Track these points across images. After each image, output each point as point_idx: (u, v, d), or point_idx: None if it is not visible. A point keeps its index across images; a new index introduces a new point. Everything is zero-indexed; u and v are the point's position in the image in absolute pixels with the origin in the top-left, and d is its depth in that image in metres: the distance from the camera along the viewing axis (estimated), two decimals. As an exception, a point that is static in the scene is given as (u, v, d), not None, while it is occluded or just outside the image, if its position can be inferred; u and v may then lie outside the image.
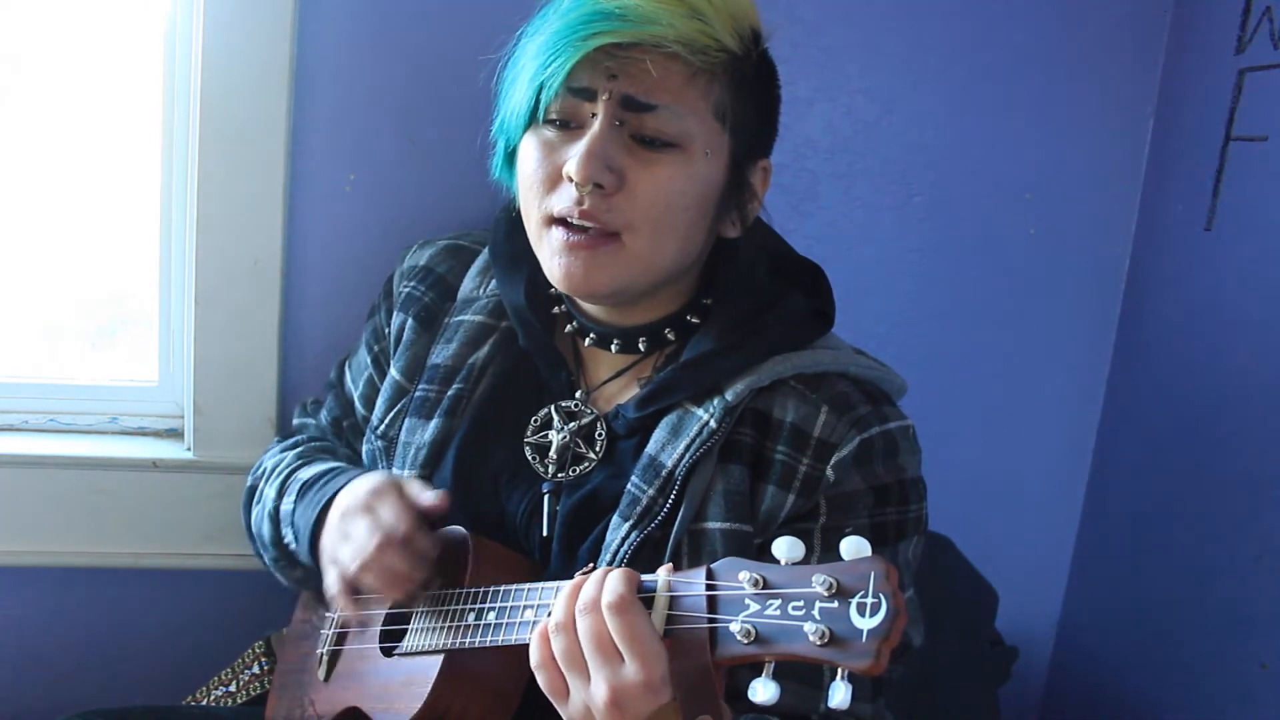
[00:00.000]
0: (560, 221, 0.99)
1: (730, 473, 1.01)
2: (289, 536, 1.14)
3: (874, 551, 0.75)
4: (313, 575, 1.13)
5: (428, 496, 1.03)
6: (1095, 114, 1.62)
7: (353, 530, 1.03)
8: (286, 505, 1.16)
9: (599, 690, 0.81)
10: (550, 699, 0.85)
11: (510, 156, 1.06)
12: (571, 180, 0.96)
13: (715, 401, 1.02)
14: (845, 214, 1.60)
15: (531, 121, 1.00)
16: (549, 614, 0.86)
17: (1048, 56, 1.59)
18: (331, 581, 1.05)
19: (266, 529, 1.19)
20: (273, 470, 1.22)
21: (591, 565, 0.89)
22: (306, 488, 1.14)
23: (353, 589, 1.04)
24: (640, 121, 0.97)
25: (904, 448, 1.04)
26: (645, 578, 0.84)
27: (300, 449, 1.24)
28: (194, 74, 1.38)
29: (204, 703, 1.32)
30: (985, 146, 1.61)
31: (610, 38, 0.94)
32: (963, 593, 1.48)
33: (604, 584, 0.83)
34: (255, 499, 1.24)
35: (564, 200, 0.98)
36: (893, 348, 1.21)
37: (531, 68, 0.97)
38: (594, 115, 0.97)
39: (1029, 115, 1.61)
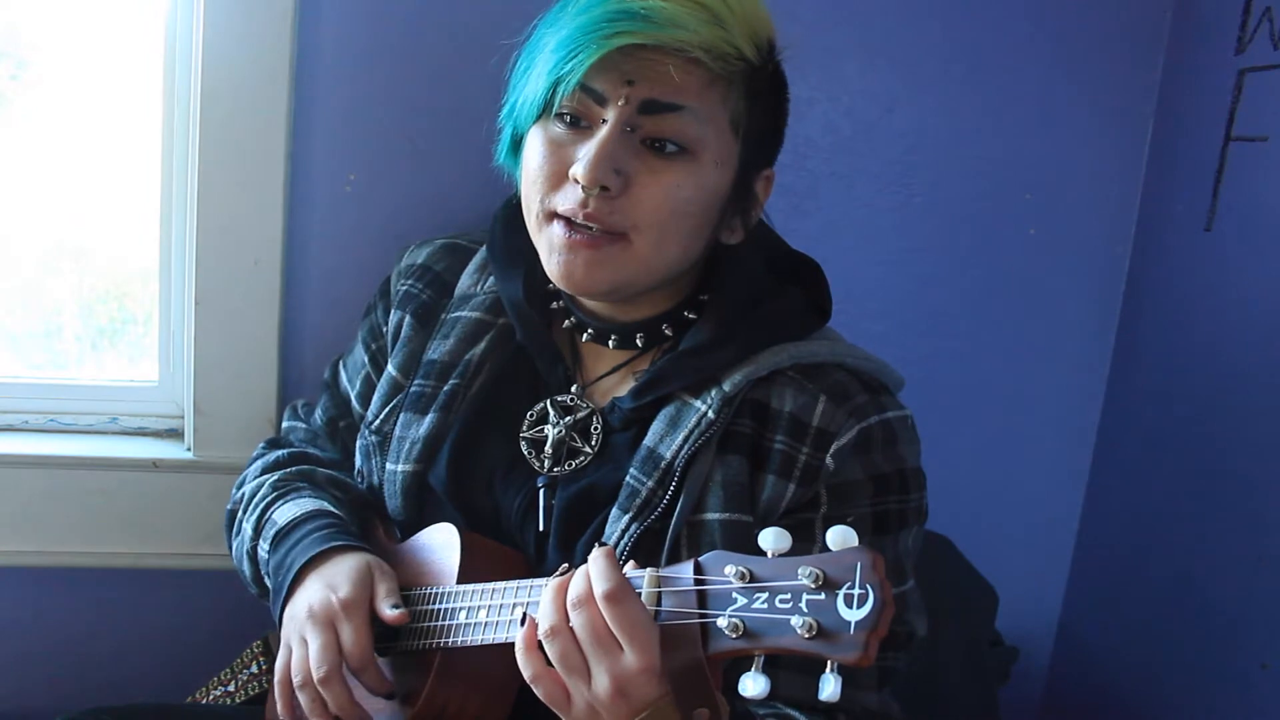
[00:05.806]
0: (562, 219, 0.99)
1: (729, 463, 1.01)
2: (269, 582, 1.12)
3: (877, 541, 0.74)
4: None
5: (390, 613, 1.00)
6: (1095, 114, 1.62)
7: (311, 640, 0.99)
8: (263, 550, 1.14)
9: (601, 683, 0.80)
10: (552, 708, 0.84)
11: (516, 144, 1.06)
12: (578, 182, 0.96)
13: (713, 392, 1.02)
14: (845, 214, 1.59)
15: (542, 114, 0.99)
16: (524, 625, 0.85)
17: (1048, 56, 1.59)
18: (279, 668, 1.03)
19: (247, 567, 1.18)
20: (250, 501, 1.20)
21: (567, 566, 0.88)
22: (280, 537, 1.11)
23: (289, 694, 1.02)
24: (659, 124, 0.96)
25: (903, 437, 1.04)
26: (631, 574, 0.84)
27: (277, 476, 1.20)
28: (194, 74, 1.38)
29: (204, 703, 1.32)
30: (985, 147, 1.61)
31: (633, 38, 0.93)
32: (963, 593, 1.47)
33: (594, 574, 0.82)
34: (235, 530, 1.22)
35: (568, 201, 0.97)
36: (893, 347, 1.21)
37: (549, 61, 0.96)
38: (604, 120, 0.96)
39: (1029, 115, 1.61)
